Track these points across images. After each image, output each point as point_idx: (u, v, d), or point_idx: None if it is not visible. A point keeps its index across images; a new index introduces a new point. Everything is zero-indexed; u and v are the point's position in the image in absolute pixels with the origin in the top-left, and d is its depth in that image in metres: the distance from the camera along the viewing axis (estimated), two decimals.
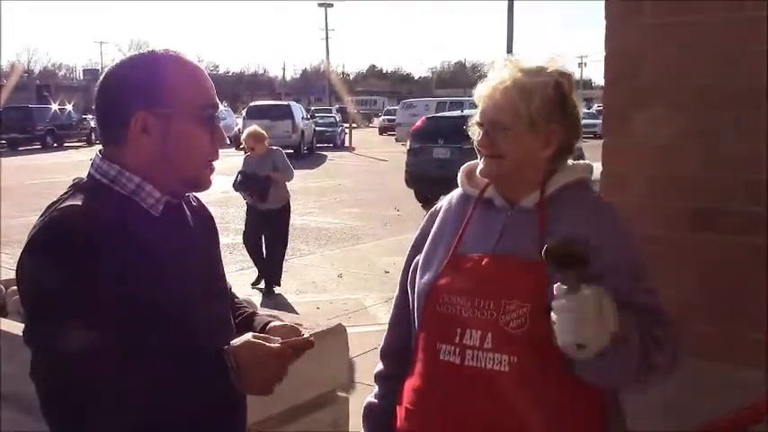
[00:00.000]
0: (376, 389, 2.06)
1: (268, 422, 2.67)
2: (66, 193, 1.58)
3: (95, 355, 1.39)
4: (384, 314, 7.33)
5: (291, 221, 8.72)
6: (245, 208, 8.67)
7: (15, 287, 3.66)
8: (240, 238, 8.67)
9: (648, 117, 1.83)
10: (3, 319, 3.09)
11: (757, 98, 2.10)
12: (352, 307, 7.48)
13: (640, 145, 1.97)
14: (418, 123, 16.31)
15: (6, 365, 2.74)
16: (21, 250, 1.48)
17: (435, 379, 1.78)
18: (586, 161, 1.92)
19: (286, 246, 8.70)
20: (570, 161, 1.87)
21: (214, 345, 1.55)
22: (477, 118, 1.84)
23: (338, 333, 3.20)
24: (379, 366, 2.07)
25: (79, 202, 1.51)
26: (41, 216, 1.52)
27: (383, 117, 50.57)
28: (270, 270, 8.34)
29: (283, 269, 8.52)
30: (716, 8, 2.17)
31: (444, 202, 2.00)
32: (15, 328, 2.89)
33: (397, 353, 1.97)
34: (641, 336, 1.60)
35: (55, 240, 1.45)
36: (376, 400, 2.04)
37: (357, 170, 23.64)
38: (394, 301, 2.03)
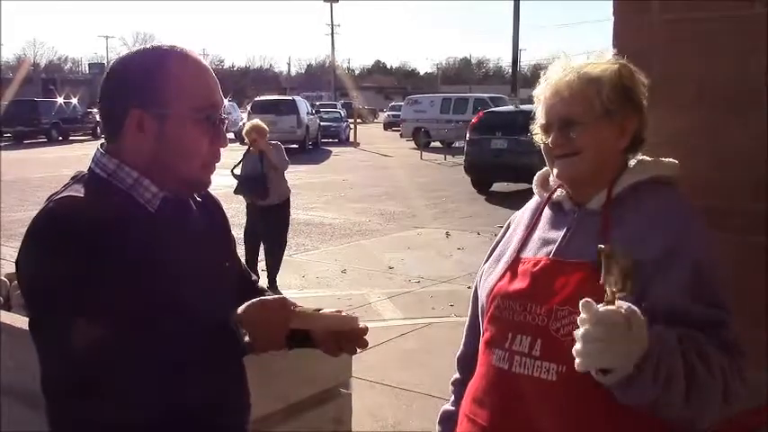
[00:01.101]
0: (452, 396, 2.02)
1: (270, 419, 2.66)
2: (65, 185, 1.58)
3: (93, 344, 1.39)
4: (388, 310, 7.33)
5: (295, 216, 8.70)
6: (245, 204, 8.63)
7: None
8: (242, 233, 8.67)
9: (656, 115, 1.82)
10: (4, 312, 3.09)
11: (764, 98, 2.08)
12: (355, 303, 7.47)
13: (648, 143, 1.96)
14: (475, 119, 17.93)
15: (8, 358, 2.74)
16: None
17: (488, 385, 1.73)
18: (671, 159, 1.80)
19: (286, 242, 8.68)
20: (644, 157, 1.79)
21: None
22: (541, 120, 1.75)
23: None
24: (455, 374, 2.02)
25: (75, 194, 1.51)
26: (41, 208, 1.52)
27: (388, 113, 50.56)
28: (270, 265, 8.33)
29: (287, 265, 8.51)
30: (725, 6, 2.15)
31: (519, 211, 1.95)
32: (17, 321, 2.89)
33: (467, 360, 1.92)
34: (685, 356, 1.47)
35: (49, 230, 1.45)
36: (450, 407, 2.00)
37: (362, 165, 23.65)
38: (469, 307, 1.98)
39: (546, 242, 1.76)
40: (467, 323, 1.99)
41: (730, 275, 1.95)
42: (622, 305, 1.39)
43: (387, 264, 9.31)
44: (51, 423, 1.57)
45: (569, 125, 1.70)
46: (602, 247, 1.41)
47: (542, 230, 1.80)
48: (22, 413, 2.58)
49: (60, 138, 34.37)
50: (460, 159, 25.32)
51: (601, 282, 1.40)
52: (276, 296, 1.63)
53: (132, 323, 1.41)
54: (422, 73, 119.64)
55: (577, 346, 1.39)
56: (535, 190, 1.90)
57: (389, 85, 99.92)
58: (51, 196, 1.53)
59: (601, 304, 1.39)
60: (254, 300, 1.57)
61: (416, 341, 6.21)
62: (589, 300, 1.39)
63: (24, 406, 2.56)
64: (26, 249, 1.47)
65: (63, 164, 20.53)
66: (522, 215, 1.92)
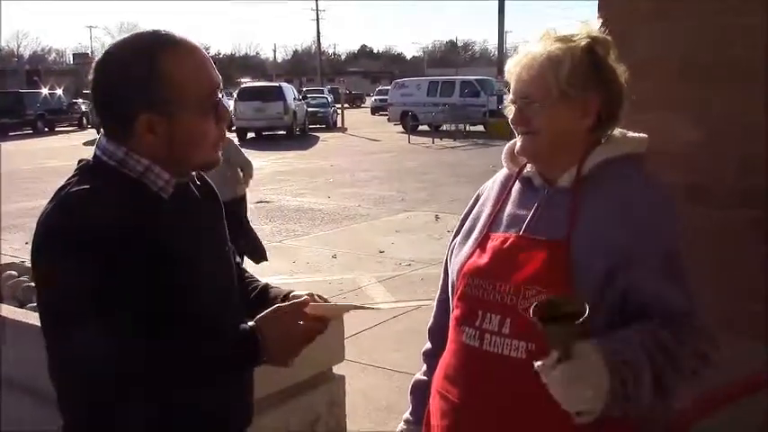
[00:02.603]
0: (423, 366, 2.04)
1: (265, 401, 2.68)
2: (73, 176, 1.56)
3: (123, 339, 1.39)
4: (379, 293, 7.36)
5: (285, 203, 8.60)
6: None
7: (10, 272, 3.66)
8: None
9: (641, 91, 1.83)
10: (4, 305, 3.08)
11: (752, 72, 2.10)
12: (346, 287, 7.49)
13: (633, 120, 1.97)
14: None
15: (6, 351, 2.74)
16: (17, 235, 1.48)
17: (459, 362, 1.75)
18: (641, 134, 1.78)
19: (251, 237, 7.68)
20: (618, 132, 1.76)
21: (225, 319, 1.59)
22: (510, 95, 1.75)
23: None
24: (427, 345, 2.04)
25: (91, 186, 1.49)
26: (52, 201, 1.50)
27: (375, 97, 50.40)
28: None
29: (277, 250, 8.47)
30: None
31: (488, 182, 1.95)
32: (18, 314, 2.89)
33: (438, 332, 1.94)
34: (652, 363, 1.49)
35: (69, 224, 1.43)
36: (422, 377, 2.03)
37: (350, 151, 23.59)
38: (440, 281, 1.99)
39: (515, 218, 1.75)
40: (437, 297, 2.00)
41: (714, 250, 1.99)
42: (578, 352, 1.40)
43: (377, 248, 9.32)
44: (66, 415, 1.58)
45: (528, 104, 1.70)
46: (547, 300, 1.41)
47: (512, 206, 1.79)
48: (23, 405, 2.59)
49: (46, 129, 34.12)
50: (449, 142, 25.37)
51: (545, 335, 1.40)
52: (289, 303, 1.63)
53: (156, 312, 1.43)
54: (408, 57, 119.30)
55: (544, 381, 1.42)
56: (504, 162, 1.88)
57: (376, 70, 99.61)
58: (62, 189, 1.52)
59: (552, 358, 1.40)
60: (268, 311, 1.58)
61: (408, 323, 6.23)
62: (539, 364, 1.41)
63: (25, 397, 2.57)
64: (45, 244, 1.46)
65: (50, 155, 20.42)
66: (491, 188, 1.91)
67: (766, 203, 2.09)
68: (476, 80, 32.16)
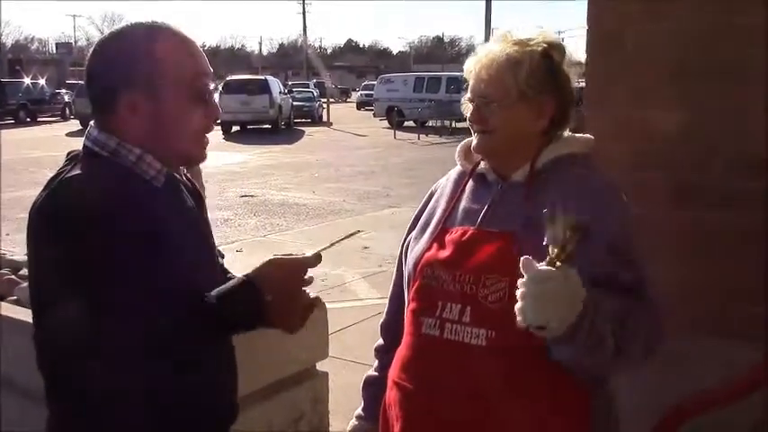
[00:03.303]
0: (376, 362, 2.07)
1: (248, 398, 2.66)
2: (65, 165, 1.56)
3: (117, 321, 1.38)
4: (364, 290, 7.34)
5: (269, 197, 8.58)
6: None
7: None
8: (218, 214, 8.60)
9: (630, 91, 1.82)
10: (4, 303, 3.04)
11: (741, 72, 2.10)
12: (331, 283, 7.46)
13: (622, 119, 1.97)
14: None
15: (7, 350, 2.70)
16: (4, 225, 1.45)
17: (418, 352, 1.79)
18: (586, 135, 1.86)
19: None
20: (567, 133, 1.83)
21: None
22: (468, 94, 1.81)
23: (318, 309, 3.17)
24: (379, 341, 2.08)
25: (87, 173, 1.49)
26: (45, 189, 1.49)
27: (361, 92, 50.37)
28: None
29: (262, 245, 8.45)
30: None
31: (442, 180, 2.00)
32: (18, 312, 2.85)
33: (394, 327, 1.98)
34: (612, 322, 1.56)
35: (66, 212, 1.42)
36: (374, 373, 2.06)
37: (335, 145, 23.56)
38: (393, 276, 2.03)
39: (471, 212, 1.82)
40: (390, 292, 2.05)
41: (701, 251, 1.98)
42: (560, 266, 1.44)
43: (361, 243, 9.30)
44: (53, 405, 1.55)
45: (486, 104, 1.76)
46: (547, 210, 1.44)
47: (467, 201, 1.85)
48: (22, 406, 2.56)
49: (28, 119, 33.82)
50: (434, 138, 25.41)
51: (545, 243, 1.44)
52: (287, 257, 1.62)
53: (154, 297, 1.41)
54: (394, 52, 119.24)
55: (518, 303, 1.44)
56: (457, 160, 1.94)
57: (362, 65, 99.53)
58: (55, 178, 1.51)
59: (542, 263, 1.44)
60: (265, 261, 1.57)
61: None
62: (529, 258, 1.44)
63: (23, 398, 2.53)
64: (44, 230, 1.45)
65: (35, 146, 20.27)
66: (444, 185, 1.97)
67: (760, 204, 2.09)
68: (462, 76, 32.03)
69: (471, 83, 1.80)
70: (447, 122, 28.27)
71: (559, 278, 1.42)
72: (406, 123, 29.47)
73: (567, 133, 1.83)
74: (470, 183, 1.88)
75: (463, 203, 1.85)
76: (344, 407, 4.57)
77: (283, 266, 1.59)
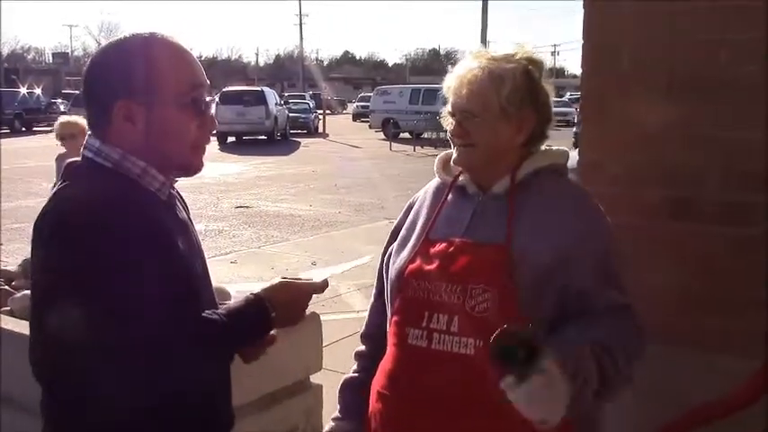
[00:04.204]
0: (354, 365, 2.09)
1: (242, 410, 2.65)
2: (68, 176, 1.55)
3: (131, 332, 1.37)
4: (358, 301, 7.32)
5: (264, 208, 8.55)
6: None
7: None
8: (213, 225, 8.59)
9: (627, 105, 1.83)
10: (4, 316, 3.03)
11: (737, 86, 2.11)
12: (325, 294, 7.42)
13: (619, 133, 1.97)
14: None
15: (8, 366, 2.68)
16: None
17: (404, 363, 1.80)
18: (562, 147, 1.91)
19: None
20: (544, 147, 1.87)
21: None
22: (448, 108, 1.84)
23: (312, 321, 3.18)
24: (360, 347, 2.09)
25: (95, 184, 1.49)
26: (51, 200, 1.49)
27: (357, 104, 50.43)
28: None
29: (257, 256, 8.43)
30: None
31: (420, 192, 2.03)
32: (18, 325, 2.84)
33: (375, 337, 2.00)
34: (598, 366, 1.58)
35: (75, 223, 1.41)
36: (352, 374, 2.07)
37: (331, 157, 23.57)
38: (374, 287, 2.05)
39: (454, 224, 1.84)
40: (370, 304, 2.07)
41: (698, 264, 1.98)
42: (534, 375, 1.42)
43: (357, 255, 9.28)
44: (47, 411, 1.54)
45: (468, 118, 1.79)
46: (502, 333, 1.42)
47: (448, 212, 1.88)
48: (23, 422, 2.53)
49: (24, 128, 33.76)
50: (430, 150, 25.40)
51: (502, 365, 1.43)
52: (296, 281, 1.72)
53: (164, 308, 1.42)
54: (391, 64, 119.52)
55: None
56: (436, 172, 1.98)
57: (358, 76, 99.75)
58: (62, 190, 1.51)
59: (517, 382, 1.42)
60: (273, 283, 1.66)
61: None
62: (509, 381, 1.42)
63: (25, 414, 2.51)
64: (48, 243, 1.44)
65: (28, 155, 20.23)
66: (423, 197, 2.00)
67: (755, 218, 2.09)
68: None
69: (452, 98, 1.83)
70: (443, 134, 28.13)
71: (540, 388, 1.42)
72: (401, 135, 29.53)
73: (544, 146, 1.88)
74: (451, 194, 1.91)
75: (445, 215, 1.88)
76: None
77: (291, 290, 1.66)
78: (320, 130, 35.38)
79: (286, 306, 1.61)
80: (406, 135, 29.24)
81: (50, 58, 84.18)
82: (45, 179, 11.36)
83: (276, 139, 28.99)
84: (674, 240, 1.95)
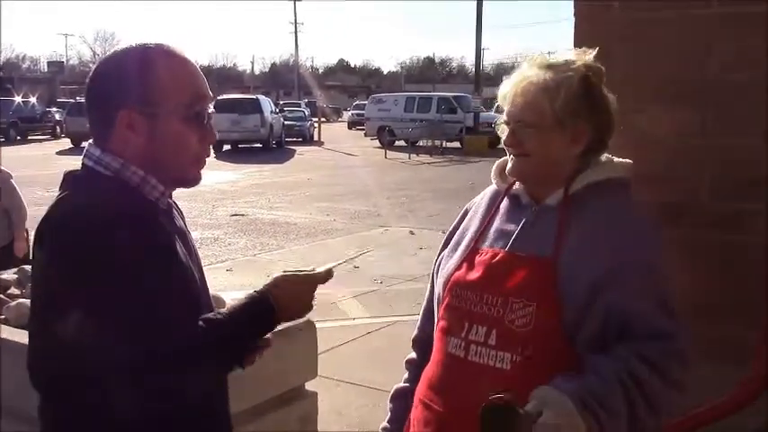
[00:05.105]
0: (405, 374, 2.07)
1: (238, 417, 2.64)
2: (67, 184, 1.56)
3: (130, 340, 1.38)
4: (353, 309, 7.33)
5: (260, 216, 8.49)
6: None
7: None
8: (208, 233, 8.58)
9: (618, 112, 1.85)
10: (4, 326, 3.02)
11: (726, 94, 2.12)
12: (321, 301, 7.39)
13: (610, 140, 1.99)
14: None
15: (8, 377, 2.68)
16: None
17: (442, 371, 1.78)
18: (625, 160, 1.85)
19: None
20: (604, 158, 1.82)
21: None
22: (504, 117, 1.81)
23: (307, 329, 3.18)
24: (411, 354, 2.07)
25: (95, 192, 1.50)
26: (52, 209, 1.49)
27: (352, 111, 50.49)
28: None
29: (252, 264, 8.43)
30: (682, 5, 2.19)
31: (477, 198, 1.99)
32: (12, 334, 2.84)
33: (424, 343, 1.97)
34: (628, 402, 1.54)
35: (86, 227, 1.42)
36: (403, 385, 2.05)
37: (326, 164, 23.59)
38: (426, 293, 2.02)
39: (503, 234, 1.81)
40: (423, 307, 2.04)
41: (686, 271, 1.99)
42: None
43: (352, 263, 9.27)
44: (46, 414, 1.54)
45: (521, 128, 1.75)
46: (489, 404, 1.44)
47: (499, 222, 1.85)
48: (21, 430, 2.53)
49: (19, 137, 33.69)
50: (425, 158, 25.48)
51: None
52: (298, 273, 1.69)
53: (165, 314, 1.43)
54: (386, 72, 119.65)
55: None
56: (493, 179, 1.94)
57: (353, 84, 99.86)
58: (62, 199, 1.51)
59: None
60: (276, 277, 1.65)
61: (382, 340, 6.22)
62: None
63: (23, 423, 2.51)
64: (49, 252, 1.45)
65: (23, 164, 20.15)
66: (479, 203, 1.96)
67: (747, 225, 2.10)
68: (453, 97, 32.37)
69: (507, 107, 1.79)
70: (438, 142, 28.35)
71: (550, 426, 1.43)
72: (397, 143, 29.56)
73: (605, 157, 1.82)
74: (504, 202, 1.87)
75: (496, 224, 1.84)
76: (334, 426, 4.57)
77: (296, 282, 1.65)
78: (315, 138, 35.41)
79: (290, 299, 1.61)
80: (402, 143, 29.27)
81: (45, 67, 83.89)
82: (41, 188, 11.41)
83: (271, 147, 29.00)
84: (666, 247, 1.95)
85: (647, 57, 2.26)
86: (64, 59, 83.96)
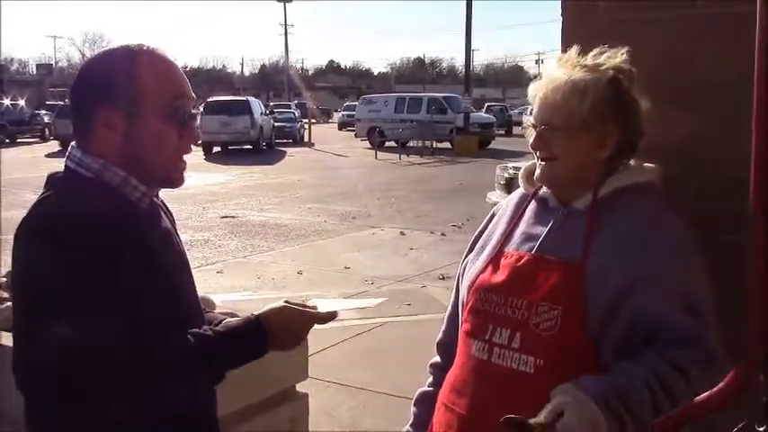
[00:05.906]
0: (430, 378, 2.06)
1: (228, 419, 2.65)
2: (49, 186, 1.56)
3: (114, 342, 1.38)
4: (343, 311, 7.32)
5: (250, 218, 8.46)
6: None
7: None
8: (199, 235, 8.57)
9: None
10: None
11: (711, 96, 2.14)
12: (311, 303, 7.42)
13: None
14: None
15: None
16: None
17: (466, 374, 1.77)
18: (652, 164, 1.82)
19: None
20: (633, 161, 1.79)
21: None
22: (531, 119, 1.77)
23: None
24: (435, 358, 2.06)
25: (73, 194, 1.50)
26: (31, 210, 1.49)
27: (342, 113, 50.49)
28: None
29: (243, 266, 8.43)
30: (668, 6, 2.20)
31: (503, 201, 1.98)
32: (3, 338, 2.83)
33: (448, 346, 1.96)
34: (654, 405, 1.53)
35: (62, 230, 1.42)
36: (427, 389, 2.04)
37: (317, 166, 23.58)
38: (451, 296, 2.01)
39: (529, 237, 1.79)
40: (447, 311, 2.02)
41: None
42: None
43: (343, 264, 9.30)
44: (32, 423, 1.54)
45: (549, 130, 1.72)
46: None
47: (526, 225, 1.82)
48: None
49: (7, 140, 33.56)
50: (415, 159, 25.52)
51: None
52: (299, 308, 1.68)
53: (152, 319, 1.44)
54: (376, 73, 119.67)
55: None
56: (521, 182, 1.92)
57: (344, 85, 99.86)
58: (43, 200, 1.51)
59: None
60: (275, 306, 1.64)
61: (372, 340, 6.22)
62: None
63: (9, 428, 2.50)
64: (28, 255, 1.45)
65: (12, 166, 20.11)
66: (506, 206, 1.94)
67: (733, 226, 2.12)
68: (443, 97, 32.43)
69: (534, 109, 1.76)
70: (428, 143, 28.39)
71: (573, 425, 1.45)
72: (387, 144, 29.58)
73: (634, 161, 1.80)
74: (531, 206, 1.85)
75: (523, 227, 1.82)
76: (324, 427, 4.57)
77: (293, 315, 1.65)
78: (306, 139, 35.38)
79: (283, 331, 1.61)
80: (392, 144, 29.30)
81: (34, 70, 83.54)
82: (30, 191, 11.33)
83: (261, 149, 28.96)
84: (700, 250, 1.96)
85: (634, 57, 2.28)
86: (53, 62, 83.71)
